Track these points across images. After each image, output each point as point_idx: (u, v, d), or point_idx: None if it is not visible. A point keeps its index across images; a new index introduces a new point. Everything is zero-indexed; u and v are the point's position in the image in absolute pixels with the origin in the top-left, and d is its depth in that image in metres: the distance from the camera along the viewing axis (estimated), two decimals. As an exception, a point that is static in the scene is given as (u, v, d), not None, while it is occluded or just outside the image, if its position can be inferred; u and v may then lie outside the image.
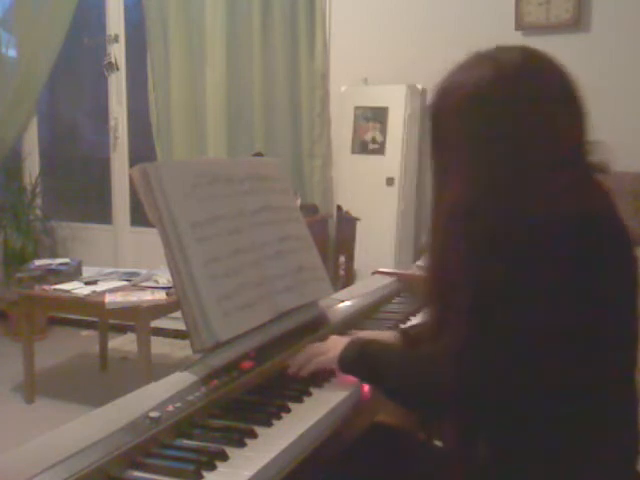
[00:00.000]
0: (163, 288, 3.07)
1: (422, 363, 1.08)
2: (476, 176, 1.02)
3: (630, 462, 1.06)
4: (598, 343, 0.99)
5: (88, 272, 3.41)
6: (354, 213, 3.49)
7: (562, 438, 0.99)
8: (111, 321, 3.73)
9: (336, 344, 1.27)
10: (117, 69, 4.35)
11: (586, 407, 1.00)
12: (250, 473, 0.96)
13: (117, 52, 4.36)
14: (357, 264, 3.46)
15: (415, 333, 1.43)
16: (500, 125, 1.01)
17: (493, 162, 1.01)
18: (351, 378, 1.24)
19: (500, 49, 1.08)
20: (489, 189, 1.01)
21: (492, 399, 0.99)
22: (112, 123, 4.45)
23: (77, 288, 3.13)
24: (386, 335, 1.44)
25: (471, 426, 1.07)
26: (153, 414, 1.07)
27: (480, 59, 1.07)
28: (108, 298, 2.97)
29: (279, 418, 1.15)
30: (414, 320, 1.74)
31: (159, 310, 3.00)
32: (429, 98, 1.12)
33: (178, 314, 1.40)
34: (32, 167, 4.65)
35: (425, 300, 1.16)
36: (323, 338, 1.39)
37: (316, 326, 1.59)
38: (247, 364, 1.30)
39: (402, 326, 1.68)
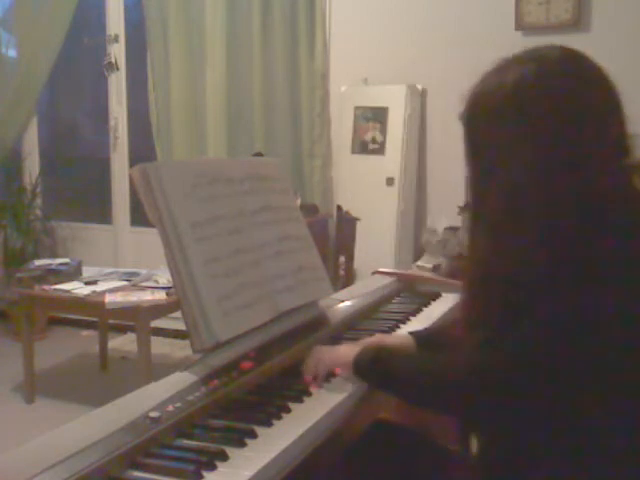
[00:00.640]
0: (163, 288, 3.07)
1: (446, 366, 1.07)
2: (523, 176, 1.01)
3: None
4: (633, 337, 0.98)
5: (88, 272, 3.41)
6: (354, 213, 3.49)
7: (577, 437, 0.99)
8: (111, 321, 3.73)
9: (348, 350, 1.25)
10: (117, 69, 4.35)
11: (607, 405, 1.00)
12: (250, 473, 0.96)
13: (117, 52, 4.36)
14: (357, 264, 3.46)
15: (429, 336, 1.43)
16: (545, 122, 1.00)
17: (541, 160, 1.00)
18: None
19: (536, 49, 1.07)
20: (540, 187, 0.99)
21: (528, 391, 0.98)
22: (112, 123, 4.45)
23: (77, 288, 3.13)
24: (398, 340, 1.43)
25: (487, 425, 1.07)
26: (153, 414, 1.07)
27: (516, 60, 1.06)
28: (108, 298, 2.97)
29: (279, 418, 1.15)
30: (414, 320, 1.74)
31: (159, 310, 3.00)
32: (464, 104, 1.10)
33: (178, 314, 1.40)
34: (32, 167, 4.65)
35: (467, 298, 1.12)
36: (323, 338, 1.39)
37: (316, 326, 1.59)
38: (247, 364, 1.30)
39: (403, 327, 1.68)
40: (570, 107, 1.00)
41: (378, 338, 1.46)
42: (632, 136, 1.05)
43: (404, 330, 1.65)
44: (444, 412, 1.19)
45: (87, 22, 4.60)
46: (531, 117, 1.01)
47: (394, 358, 1.16)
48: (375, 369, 1.18)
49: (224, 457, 1.00)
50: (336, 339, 1.54)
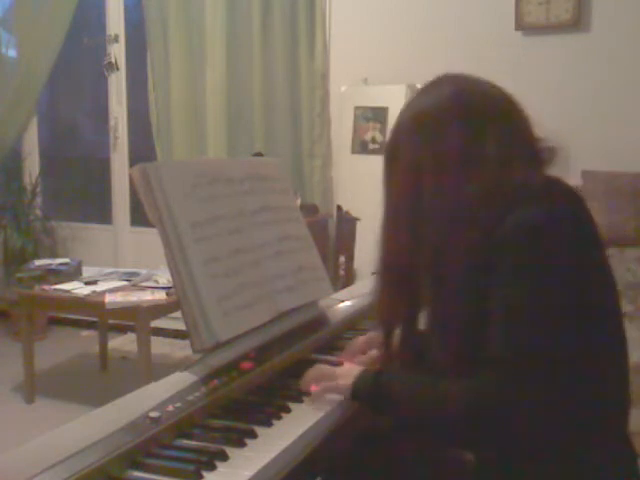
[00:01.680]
0: (163, 288, 3.07)
1: (446, 398, 1.03)
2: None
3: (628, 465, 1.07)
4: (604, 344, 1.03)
5: (88, 272, 3.41)
6: (354, 213, 3.49)
7: (566, 442, 1.00)
8: (111, 321, 3.73)
9: (348, 372, 1.20)
10: (117, 69, 4.35)
11: (592, 410, 1.01)
12: (250, 473, 0.96)
13: (117, 52, 4.36)
14: (357, 264, 3.46)
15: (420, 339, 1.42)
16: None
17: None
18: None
19: (433, 82, 1.19)
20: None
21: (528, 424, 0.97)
22: (112, 123, 4.46)
23: (77, 288, 3.13)
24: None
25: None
26: (153, 414, 1.07)
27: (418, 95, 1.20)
28: (108, 298, 2.97)
29: (279, 418, 1.15)
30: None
31: (159, 310, 3.00)
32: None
33: (178, 314, 1.40)
34: (32, 167, 4.65)
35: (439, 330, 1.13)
36: (323, 338, 1.38)
37: (316, 326, 1.59)
38: (247, 364, 1.30)
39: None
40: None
41: (369, 338, 1.45)
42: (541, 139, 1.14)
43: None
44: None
45: (87, 22, 4.60)
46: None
47: (394, 384, 1.12)
48: (374, 397, 1.14)
49: (224, 457, 1.00)
50: (336, 339, 1.54)
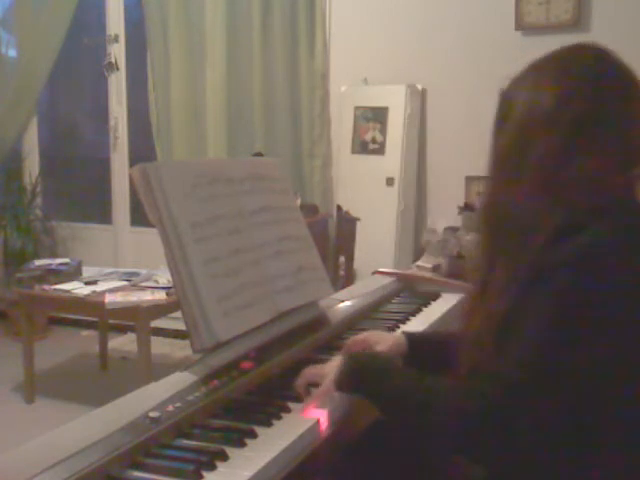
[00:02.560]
0: (163, 288, 3.07)
1: (440, 397, 1.02)
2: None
3: None
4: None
5: (88, 272, 3.41)
6: (354, 213, 3.49)
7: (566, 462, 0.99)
8: (111, 321, 3.73)
9: (333, 366, 1.19)
10: (117, 69, 4.35)
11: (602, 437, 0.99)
12: (250, 473, 0.96)
13: (117, 52, 4.36)
14: (357, 264, 3.46)
15: (422, 340, 1.41)
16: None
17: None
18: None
19: (568, 55, 1.13)
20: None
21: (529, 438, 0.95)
22: (112, 123, 4.45)
23: (77, 288, 3.13)
24: (395, 339, 1.41)
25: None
26: (153, 414, 1.07)
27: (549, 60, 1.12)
28: (108, 298, 2.97)
29: (279, 418, 1.15)
30: (414, 320, 1.74)
31: (159, 310, 3.00)
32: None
33: (178, 314, 1.40)
34: (32, 167, 4.65)
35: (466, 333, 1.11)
36: (323, 338, 1.38)
37: (316, 326, 1.59)
38: (247, 364, 1.30)
39: (403, 327, 1.68)
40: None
41: (366, 336, 1.44)
42: None
43: (404, 330, 1.65)
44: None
45: (87, 22, 4.60)
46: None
47: (379, 373, 1.10)
48: (358, 380, 1.13)
49: (224, 457, 1.00)
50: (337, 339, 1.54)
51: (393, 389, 1.07)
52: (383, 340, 1.40)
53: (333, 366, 1.19)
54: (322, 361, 1.33)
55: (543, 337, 0.95)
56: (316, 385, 1.21)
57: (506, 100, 1.13)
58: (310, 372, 1.25)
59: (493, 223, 1.10)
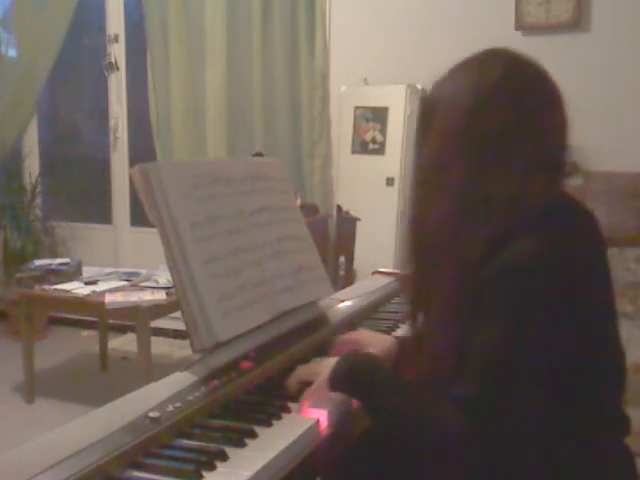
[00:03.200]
0: (163, 288, 3.07)
1: (422, 406, 1.03)
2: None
3: None
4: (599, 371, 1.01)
5: (88, 272, 3.41)
6: (354, 213, 3.49)
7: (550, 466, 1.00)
8: (111, 321, 3.73)
9: (327, 366, 1.19)
10: (117, 69, 4.35)
11: (580, 438, 1.01)
12: (250, 473, 0.96)
13: (117, 52, 4.36)
14: (357, 264, 3.46)
15: (410, 345, 1.41)
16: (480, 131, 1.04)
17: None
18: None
19: (484, 58, 1.11)
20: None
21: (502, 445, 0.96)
22: (112, 123, 4.46)
23: (77, 288, 3.13)
24: (387, 342, 1.42)
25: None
26: (153, 414, 1.07)
27: (465, 68, 1.13)
28: (108, 298, 2.97)
29: (279, 418, 1.15)
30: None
31: (159, 310, 3.00)
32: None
33: (178, 314, 1.40)
34: (32, 167, 4.65)
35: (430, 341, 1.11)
36: (323, 338, 1.38)
37: (316, 326, 1.59)
38: (247, 364, 1.30)
39: (403, 327, 1.68)
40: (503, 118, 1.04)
41: (359, 336, 1.45)
42: (570, 147, 1.08)
43: (404, 330, 1.65)
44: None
45: (87, 22, 4.60)
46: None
47: (369, 378, 1.10)
48: (350, 381, 1.13)
49: (224, 457, 1.00)
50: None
51: (383, 399, 1.07)
52: (375, 342, 1.40)
53: (327, 365, 1.18)
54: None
55: (487, 353, 0.96)
56: (309, 384, 1.21)
57: (427, 108, 1.14)
58: (304, 371, 1.25)
59: (421, 241, 1.10)
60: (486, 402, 0.94)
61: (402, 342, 1.40)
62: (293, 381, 1.24)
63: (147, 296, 3.00)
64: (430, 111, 1.12)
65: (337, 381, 1.15)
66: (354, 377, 1.13)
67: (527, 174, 1.02)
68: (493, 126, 1.03)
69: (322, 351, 1.47)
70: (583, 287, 0.98)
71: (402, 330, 1.66)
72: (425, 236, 1.09)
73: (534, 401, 0.95)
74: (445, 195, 1.05)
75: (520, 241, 0.96)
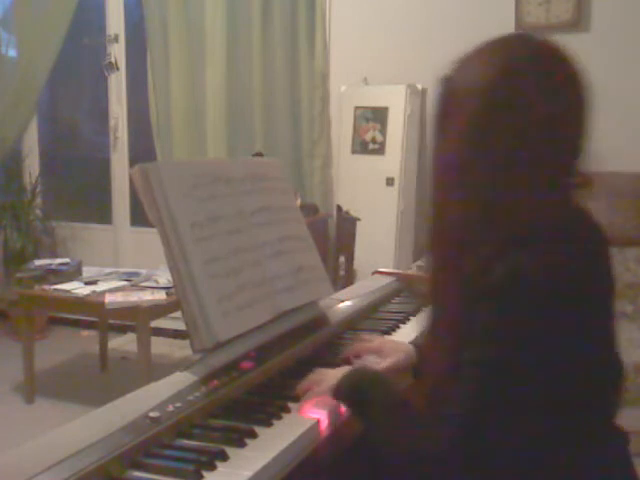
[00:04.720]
0: (163, 288, 3.07)
1: (417, 427, 1.02)
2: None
3: None
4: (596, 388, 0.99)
5: (88, 272, 3.41)
6: (354, 213, 3.49)
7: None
8: (111, 321, 3.73)
9: (336, 375, 1.19)
10: (117, 69, 4.35)
11: (573, 453, 0.99)
12: (250, 473, 0.96)
13: (117, 52, 4.36)
14: (357, 264, 3.46)
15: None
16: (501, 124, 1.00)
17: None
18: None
19: (508, 42, 1.08)
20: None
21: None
22: (112, 123, 4.45)
23: (77, 288, 3.13)
24: (401, 352, 1.41)
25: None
26: (153, 414, 1.07)
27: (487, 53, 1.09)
28: (108, 298, 2.98)
29: (279, 418, 1.15)
30: (414, 320, 1.74)
31: (159, 310, 3.00)
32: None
33: (178, 314, 1.40)
34: (32, 167, 4.65)
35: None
36: (323, 338, 1.38)
37: (316, 326, 1.59)
38: (247, 364, 1.30)
39: (403, 327, 1.68)
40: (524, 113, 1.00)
41: (380, 346, 1.44)
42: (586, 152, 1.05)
43: (404, 330, 1.65)
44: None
45: (87, 22, 4.60)
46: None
47: (371, 396, 1.10)
48: (352, 399, 1.13)
49: (224, 457, 1.00)
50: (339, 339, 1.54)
51: (379, 422, 1.07)
52: (394, 352, 1.40)
53: (336, 375, 1.18)
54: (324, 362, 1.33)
55: (482, 369, 0.95)
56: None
57: (448, 92, 1.10)
58: (315, 378, 1.24)
59: (442, 235, 1.07)
60: (481, 419, 0.93)
61: (419, 348, 1.40)
62: (303, 387, 1.24)
63: (147, 296, 3.00)
64: (451, 94, 1.09)
65: (338, 393, 1.15)
66: (354, 396, 1.13)
67: (551, 184, 0.99)
68: (519, 125, 0.98)
69: (340, 351, 1.46)
70: (580, 303, 0.96)
71: (402, 330, 1.66)
72: (439, 234, 1.07)
73: (530, 416, 0.94)
74: (462, 196, 1.01)
75: (517, 255, 0.94)
